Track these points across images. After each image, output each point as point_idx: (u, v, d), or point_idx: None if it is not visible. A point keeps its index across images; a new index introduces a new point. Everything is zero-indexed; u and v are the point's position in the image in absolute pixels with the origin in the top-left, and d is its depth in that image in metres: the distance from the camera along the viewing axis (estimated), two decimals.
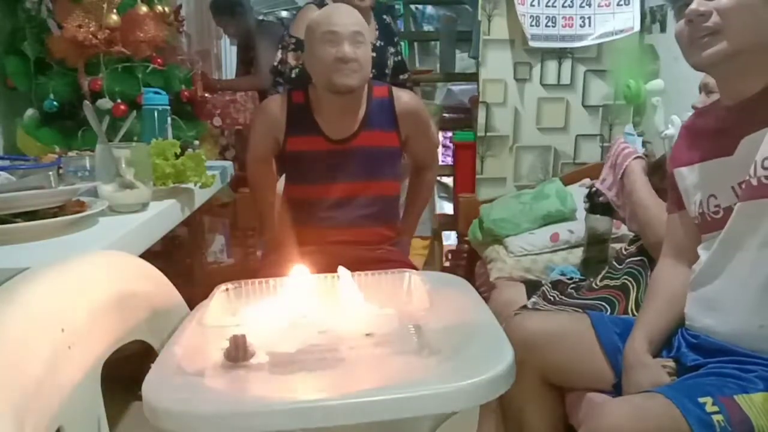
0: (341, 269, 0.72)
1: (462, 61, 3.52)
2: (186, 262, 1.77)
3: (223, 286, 0.74)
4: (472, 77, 2.95)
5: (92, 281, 0.64)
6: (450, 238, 3.15)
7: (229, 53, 4.34)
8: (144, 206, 1.14)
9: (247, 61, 3.53)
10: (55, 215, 0.98)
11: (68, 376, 0.53)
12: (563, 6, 2.41)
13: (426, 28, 3.68)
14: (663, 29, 2.41)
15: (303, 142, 1.75)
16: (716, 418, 0.94)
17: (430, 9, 3.76)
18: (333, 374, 0.58)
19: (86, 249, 0.86)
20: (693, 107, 1.59)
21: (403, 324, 0.66)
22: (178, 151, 1.36)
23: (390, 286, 0.74)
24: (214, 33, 3.97)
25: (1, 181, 0.97)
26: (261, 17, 4.11)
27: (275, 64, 2.36)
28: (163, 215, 1.19)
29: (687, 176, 1.24)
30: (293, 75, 2.26)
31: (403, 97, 1.81)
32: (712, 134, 1.19)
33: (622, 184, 1.83)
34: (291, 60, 2.28)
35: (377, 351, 0.62)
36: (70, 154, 1.45)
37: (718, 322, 1.14)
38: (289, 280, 0.70)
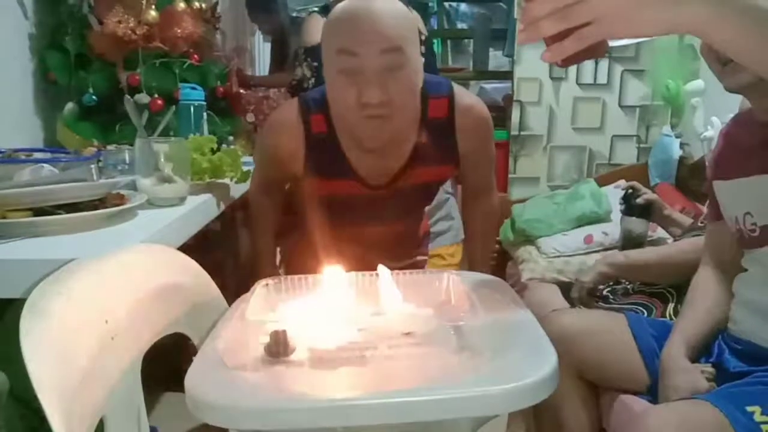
0: (381, 267, 0.71)
1: (495, 59, 3.50)
2: (219, 256, 1.78)
3: (263, 282, 0.74)
4: (506, 75, 2.93)
5: (135, 273, 0.65)
6: None
7: (262, 50, 4.38)
8: (182, 200, 1.15)
9: (280, 59, 3.56)
10: (95, 208, 0.99)
11: (111, 367, 0.54)
12: None
13: (460, 25, 3.66)
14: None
15: (329, 186, 1.33)
16: (765, 428, 0.92)
17: (464, 6, 3.74)
18: (373, 372, 0.58)
19: (126, 241, 0.86)
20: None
21: (443, 324, 0.65)
22: (215, 146, 1.37)
23: (428, 285, 0.73)
24: (249, 29, 4.00)
25: (45, 173, 0.99)
26: (295, 14, 4.13)
27: (294, 81, 2.23)
28: (200, 209, 1.20)
29: (723, 190, 1.22)
30: (311, 85, 2.10)
31: (469, 109, 1.32)
32: (749, 149, 1.16)
33: None
34: (306, 72, 2.13)
35: (417, 350, 0.61)
36: (109, 147, 1.47)
37: (766, 329, 1.12)
38: (328, 277, 0.70)
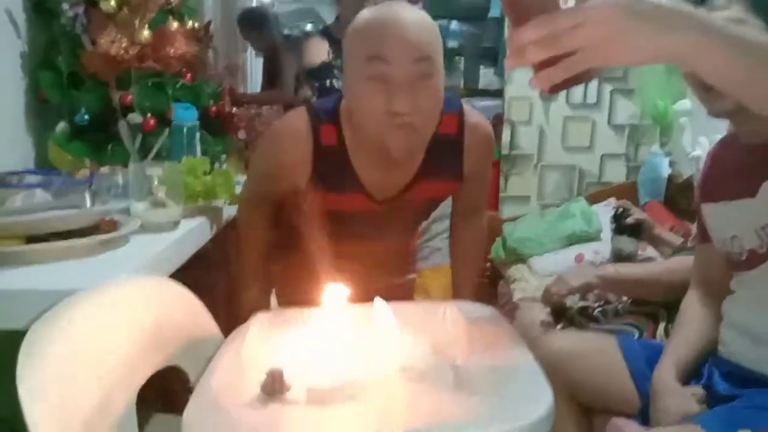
0: (378, 300, 0.71)
1: (486, 77, 3.53)
2: (211, 278, 1.77)
3: (260, 315, 0.74)
4: (496, 94, 2.96)
5: (131, 309, 0.65)
6: None
7: (254, 65, 4.39)
8: (175, 225, 1.15)
9: (273, 76, 3.57)
10: (89, 234, 0.99)
11: (109, 407, 0.54)
12: None
13: (450, 43, 3.69)
14: None
15: (335, 200, 1.29)
16: None
17: (454, 24, 3.77)
18: (369, 412, 0.57)
19: (119, 270, 0.86)
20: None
21: (440, 359, 0.65)
22: (208, 168, 1.37)
23: (426, 318, 0.73)
24: (241, 46, 4.02)
25: (37, 199, 0.99)
26: (287, 31, 4.16)
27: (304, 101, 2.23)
28: (193, 233, 1.20)
29: (711, 213, 1.23)
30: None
31: (475, 127, 1.32)
32: (735, 171, 1.17)
33: None
34: (308, 92, 2.20)
35: (414, 387, 0.61)
36: (102, 169, 1.47)
37: (757, 352, 1.12)
38: (325, 310, 0.70)
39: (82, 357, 0.53)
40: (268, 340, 0.66)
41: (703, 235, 1.29)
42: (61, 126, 1.94)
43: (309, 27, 5.73)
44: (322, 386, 0.59)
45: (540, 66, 0.64)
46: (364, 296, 1.21)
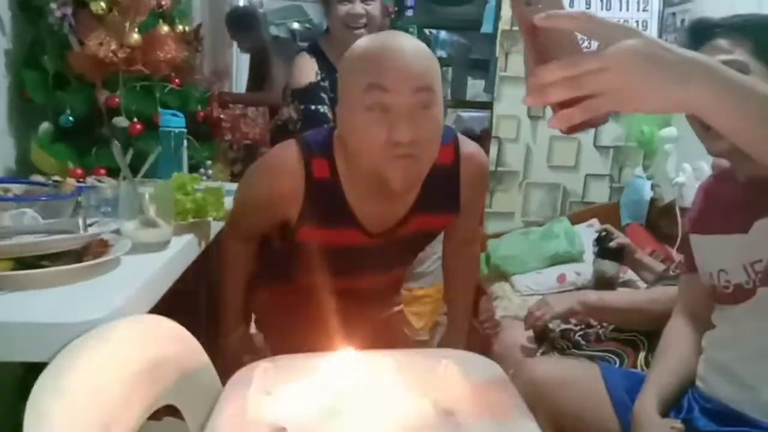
0: (380, 354, 0.70)
1: (473, 88, 3.53)
2: (196, 294, 1.75)
3: (262, 364, 0.72)
4: (483, 106, 2.97)
5: (127, 352, 0.64)
6: None
7: (240, 65, 4.35)
8: (166, 244, 1.13)
9: (259, 77, 3.54)
10: (78, 254, 0.97)
11: None
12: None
13: (439, 53, 3.68)
14: None
15: (326, 235, 1.25)
16: None
17: (444, 34, 3.77)
18: None
19: (112, 296, 0.84)
20: (712, 165, 1.60)
21: (441, 419, 0.65)
22: (199, 183, 1.35)
23: (425, 371, 0.72)
24: (227, 42, 3.97)
25: (27, 220, 0.96)
26: (274, 30, 4.13)
27: (279, 122, 2.13)
28: (183, 251, 1.18)
29: (700, 244, 1.24)
30: (297, 128, 1.97)
31: (470, 157, 1.30)
32: (727, 206, 1.18)
33: None
34: (293, 113, 2.03)
35: None
36: (88, 180, 1.44)
37: (736, 392, 1.13)
38: (325, 360, 0.70)
39: (83, 414, 0.51)
40: (271, 394, 0.65)
41: (690, 265, 1.30)
42: (45, 127, 1.90)
43: (296, 25, 5.70)
44: None
45: (560, 105, 0.65)
46: (352, 330, 1.22)
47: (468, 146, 1.30)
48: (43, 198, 1.17)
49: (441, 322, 2.16)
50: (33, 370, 0.59)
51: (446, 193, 1.28)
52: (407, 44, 1.12)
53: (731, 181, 1.21)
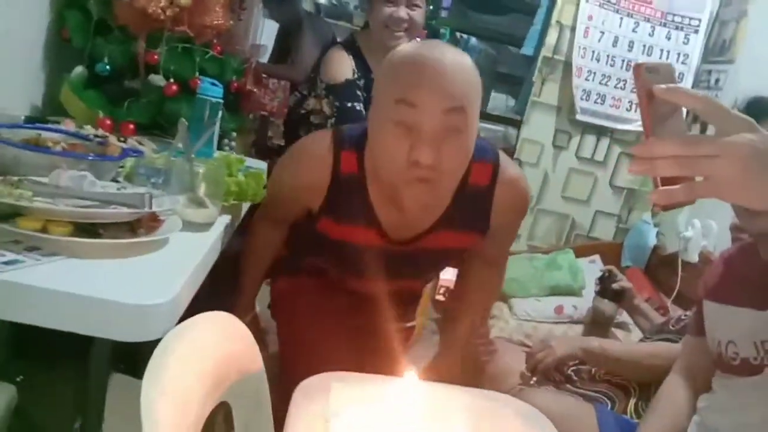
0: (444, 387, 0.71)
1: (495, 101, 3.56)
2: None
3: (335, 384, 0.72)
4: (500, 120, 2.99)
5: (209, 351, 0.64)
6: (447, 272, 3.14)
7: (262, 35, 4.27)
8: (210, 225, 1.13)
9: (285, 50, 3.50)
10: (131, 227, 0.96)
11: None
12: (615, 87, 2.46)
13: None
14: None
15: (345, 231, 1.23)
16: None
17: (474, 41, 3.78)
18: None
19: (170, 277, 0.85)
20: (731, 228, 1.62)
21: None
22: (243, 166, 1.34)
23: (488, 413, 0.74)
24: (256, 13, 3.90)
25: (88, 186, 0.95)
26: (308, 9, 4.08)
27: (302, 111, 2.08)
28: (224, 233, 1.18)
29: (712, 312, 1.26)
30: (328, 126, 1.95)
31: (510, 183, 1.23)
32: (746, 280, 1.20)
33: None
34: (325, 108, 1.99)
35: None
36: (129, 141, 1.42)
37: None
38: (391, 385, 0.70)
39: (175, 410, 0.53)
40: (339, 415, 0.66)
41: (698, 329, 1.32)
42: (79, 71, 1.86)
43: (322, 0, 5.63)
44: None
45: (663, 181, 0.65)
46: (363, 336, 1.29)
47: (509, 171, 1.24)
48: (90, 157, 1.15)
49: (425, 326, 2.13)
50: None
51: (476, 214, 1.23)
52: (447, 58, 1.05)
53: (754, 256, 1.23)
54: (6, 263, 0.77)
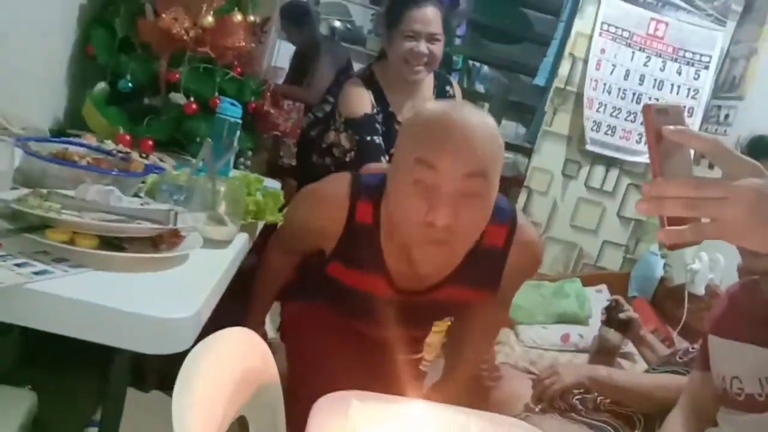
0: (454, 410, 0.73)
1: (504, 129, 3.59)
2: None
3: (355, 403, 0.74)
4: (511, 148, 3.02)
5: (232, 364, 0.66)
6: None
7: (278, 56, 4.33)
8: (229, 243, 1.15)
9: (301, 72, 3.56)
10: (153, 241, 0.99)
11: None
12: (625, 119, 2.50)
13: (478, 86, 3.75)
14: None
15: (354, 277, 1.24)
16: None
17: (486, 69, 3.83)
18: None
19: (193, 292, 0.87)
20: (738, 269, 1.63)
21: None
22: (261, 186, 1.37)
23: None
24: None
25: (114, 200, 0.97)
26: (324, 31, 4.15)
27: (325, 145, 2.07)
28: (241, 251, 1.20)
29: (717, 347, 1.27)
30: (347, 159, 1.98)
31: (526, 246, 1.23)
32: (750, 316, 1.21)
33: None
34: (344, 142, 1.99)
35: None
36: (151, 158, 1.45)
37: None
38: (406, 407, 0.72)
39: (204, 414, 0.55)
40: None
41: (704, 364, 1.33)
42: (101, 87, 1.91)
43: (337, 24, 5.72)
44: None
45: (670, 221, 0.66)
46: (369, 365, 1.26)
47: (526, 233, 1.23)
48: (114, 172, 1.19)
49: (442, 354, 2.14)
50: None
51: (488, 273, 1.23)
52: (472, 121, 1.04)
53: (759, 293, 1.24)
54: (36, 273, 0.79)
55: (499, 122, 3.46)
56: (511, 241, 1.21)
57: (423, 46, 1.90)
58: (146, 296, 0.81)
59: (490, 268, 1.22)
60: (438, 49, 1.94)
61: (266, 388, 0.77)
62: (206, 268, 1.00)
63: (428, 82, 2.04)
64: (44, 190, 0.97)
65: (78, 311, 0.76)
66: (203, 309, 0.85)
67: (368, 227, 1.18)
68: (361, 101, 1.94)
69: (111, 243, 0.92)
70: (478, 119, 1.06)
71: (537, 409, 1.77)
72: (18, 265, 0.80)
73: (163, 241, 1.00)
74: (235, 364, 0.68)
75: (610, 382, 1.64)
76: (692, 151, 0.70)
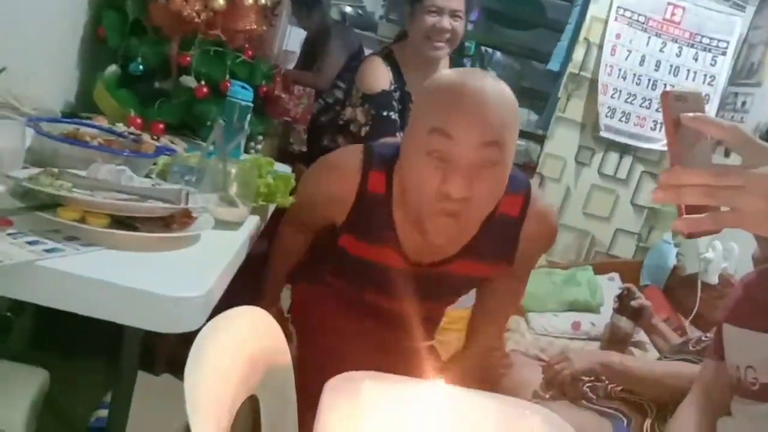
0: (471, 392, 0.72)
1: None
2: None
3: (364, 379, 0.73)
4: (524, 135, 2.99)
5: (244, 343, 0.66)
6: None
7: (288, 41, 4.32)
8: (240, 224, 1.15)
9: (310, 57, 3.54)
10: (164, 221, 0.98)
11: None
12: (640, 106, 2.46)
13: (490, 72, 3.72)
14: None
15: (365, 249, 1.22)
16: None
17: (499, 55, 3.79)
18: None
19: (204, 272, 0.86)
20: (753, 258, 1.61)
21: None
22: (272, 169, 1.36)
23: (513, 418, 0.74)
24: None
25: (125, 180, 0.97)
26: (336, 17, 4.13)
27: (341, 121, 2.07)
28: (252, 233, 1.19)
29: (732, 336, 1.26)
30: (363, 133, 1.96)
31: (541, 216, 1.20)
32: (766, 305, 1.20)
33: None
34: (360, 117, 1.98)
35: None
36: (162, 140, 1.44)
37: None
38: (420, 387, 0.71)
39: (217, 388, 0.55)
40: (372, 411, 0.67)
41: (718, 353, 1.32)
42: (112, 69, 1.90)
43: (348, 9, 5.68)
44: None
45: (688, 209, 0.64)
46: (380, 350, 1.24)
47: (540, 204, 1.20)
48: (126, 153, 1.18)
49: None
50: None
51: (503, 244, 1.20)
52: (489, 89, 1.01)
53: None
54: (47, 251, 0.79)
55: None
56: (527, 211, 1.18)
57: (446, 21, 1.89)
58: (157, 275, 0.81)
59: (505, 238, 1.19)
60: (460, 26, 1.93)
61: (277, 368, 0.77)
62: (218, 248, 0.99)
63: (444, 63, 2.04)
64: (55, 169, 0.97)
65: (89, 289, 0.76)
66: (214, 289, 0.84)
67: (380, 197, 1.16)
68: (380, 77, 1.94)
69: (123, 222, 0.92)
70: (494, 87, 1.03)
71: (547, 396, 1.76)
72: (29, 242, 0.80)
73: (174, 222, 1.00)
74: (248, 342, 0.68)
75: (621, 369, 1.62)
76: (711, 139, 0.68)
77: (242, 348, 0.66)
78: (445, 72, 1.13)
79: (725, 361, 1.27)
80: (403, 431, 0.66)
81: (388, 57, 2.00)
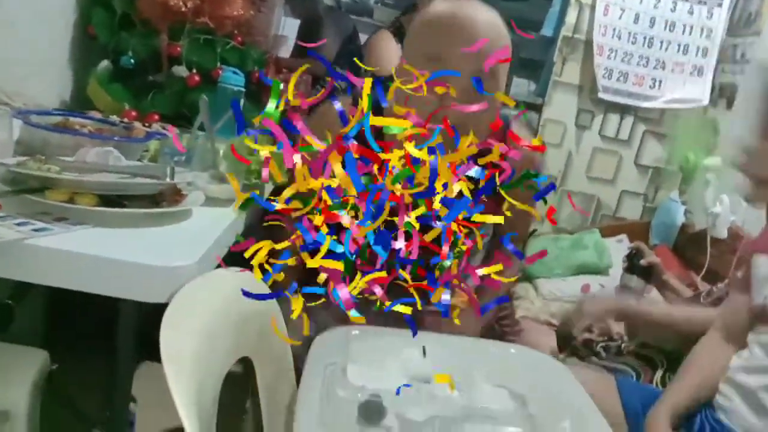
0: (453, 338, 0.73)
1: (517, 86, 3.52)
2: None
3: (349, 331, 0.74)
4: (524, 105, 2.97)
5: (232, 303, 0.67)
6: None
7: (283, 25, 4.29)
8: (232, 201, 1.16)
9: (306, 44, 3.52)
10: (155, 199, 0.99)
11: (206, 385, 0.56)
12: (637, 64, 2.43)
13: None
14: (729, 106, 2.42)
15: None
16: None
17: None
18: None
19: (192, 244, 0.87)
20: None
21: (517, 407, 0.68)
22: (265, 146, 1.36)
23: (497, 358, 0.75)
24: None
25: (113, 160, 0.98)
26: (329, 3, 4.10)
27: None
28: (246, 211, 1.20)
29: (763, 265, 1.24)
30: None
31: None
32: None
33: None
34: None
35: (492, 429, 0.64)
36: (154, 126, 1.45)
37: (756, 420, 1.14)
38: (404, 337, 0.72)
39: (200, 348, 0.55)
40: (358, 362, 0.68)
41: (745, 286, 1.29)
42: (104, 65, 1.92)
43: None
44: (414, 419, 0.61)
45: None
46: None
47: (521, 134, 1.22)
48: (116, 138, 1.19)
49: None
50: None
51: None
52: (478, 18, 1.02)
53: None
54: (36, 230, 0.80)
55: (510, 79, 3.40)
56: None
57: None
58: (148, 248, 0.82)
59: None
60: None
61: (270, 332, 0.77)
62: (209, 224, 1.00)
63: None
64: (43, 156, 0.98)
65: (80, 264, 0.77)
66: (205, 258, 0.85)
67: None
68: (388, 53, 1.88)
69: (112, 201, 0.93)
70: (484, 16, 1.04)
71: (561, 357, 1.76)
72: (18, 224, 0.81)
73: (164, 199, 1.01)
74: (238, 300, 0.68)
75: (637, 310, 1.58)
76: None
77: (232, 305, 0.67)
78: (436, 3, 1.10)
79: (750, 293, 1.25)
80: (388, 375, 0.66)
81: (398, 32, 1.92)
